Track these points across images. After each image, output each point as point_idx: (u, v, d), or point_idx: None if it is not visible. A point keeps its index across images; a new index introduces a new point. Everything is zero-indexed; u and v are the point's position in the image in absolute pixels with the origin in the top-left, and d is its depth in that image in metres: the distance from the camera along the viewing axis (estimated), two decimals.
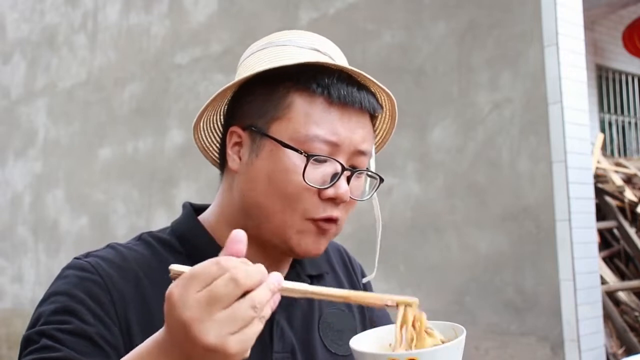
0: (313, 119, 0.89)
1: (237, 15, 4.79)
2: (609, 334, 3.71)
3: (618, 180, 4.76)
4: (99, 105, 5.85)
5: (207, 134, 1.02)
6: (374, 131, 1.00)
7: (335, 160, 0.89)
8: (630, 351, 3.67)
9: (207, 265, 0.62)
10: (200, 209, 1.04)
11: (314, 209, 0.89)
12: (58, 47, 6.46)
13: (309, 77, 0.90)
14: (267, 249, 0.94)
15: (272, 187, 0.89)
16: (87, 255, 0.93)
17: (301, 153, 0.88)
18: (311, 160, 0.88)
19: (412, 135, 3.63)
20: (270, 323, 0.95)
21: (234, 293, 0.61)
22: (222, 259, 0.63)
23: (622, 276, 4.30)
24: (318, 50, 0.95)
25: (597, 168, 4.83)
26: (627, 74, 7.86)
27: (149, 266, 0.92)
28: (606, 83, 7.60)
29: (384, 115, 1.02)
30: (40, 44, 6.74)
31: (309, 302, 1.02)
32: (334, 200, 0.90)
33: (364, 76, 0.92)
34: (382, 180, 0.97)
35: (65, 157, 6.15)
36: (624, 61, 7.66)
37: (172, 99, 5.16)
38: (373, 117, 0.98)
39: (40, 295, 0.91)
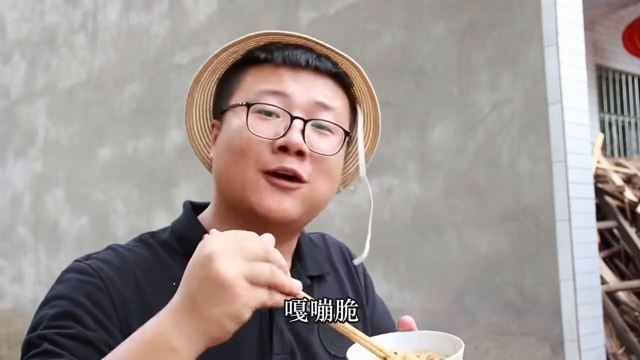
0: (261, 80, 0.92)
1: (237, 15, 4.79)
2: (609, 334, 3.71)
3: (618, 180, 4.76)
4: (99, 105, 5.85)
5: (204, 144, 1.05)
6: (358, 109, 1.00)
7: (283, 109, 0.89)
8: (630, 351, 3.67)
9: (243, 230, 0.71)
10: (201, 207, 1.04)
11: (265, 160, 0.89)
12: (58, 47, 6.46)
13: (258, 51, 0.94)
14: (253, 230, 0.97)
15: (229, 151, 0.91)
16: (88, 257, 0.92)
17: (242, 104, 0.90)
18: (259, 114, 0.89)
19: (412, 135, 3.63)
20: (270, 324, 0.95)
21: (260, 252, 0.69)
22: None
23: (622, 276, 4.30)
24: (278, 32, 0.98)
25: (597, 168, 4.83)
26: (627, 74, 7.85)
27: (148, 267, 0.92)
28: (606, 83, 7.60)
29: (360, 90, 1.00)
30: (40, 44, 6.74)
31: None
32: (288, 151, 0.89)
33: (320, 44, 0.93)
34: (347, 133, 0.95)
35: (65, 157, 6.15)
36: (624, 61, 7.66)
37: (172, 99, 5.16)
38: (346, 87, 0.97)
39: (40, 295, 0.92)
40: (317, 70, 0.92)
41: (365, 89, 1.00)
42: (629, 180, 5.00)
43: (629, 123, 7.90)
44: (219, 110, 0.97)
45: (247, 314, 0.67)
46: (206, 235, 0.70)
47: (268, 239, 0.72)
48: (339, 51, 0.94)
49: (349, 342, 0.83)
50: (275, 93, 0.90)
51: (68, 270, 0.91)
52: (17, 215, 6.67)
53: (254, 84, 0.92)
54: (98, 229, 5.63)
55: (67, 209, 6.02)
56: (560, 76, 3.09)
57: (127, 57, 5.67)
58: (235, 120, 0.91)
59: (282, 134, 0.88)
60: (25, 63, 6.90)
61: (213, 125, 0.98)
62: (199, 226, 0.98)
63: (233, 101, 0.94)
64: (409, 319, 0.89)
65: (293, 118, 0.89)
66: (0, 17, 7.41)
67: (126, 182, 5.46)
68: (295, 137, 0.88)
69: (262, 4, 4.63)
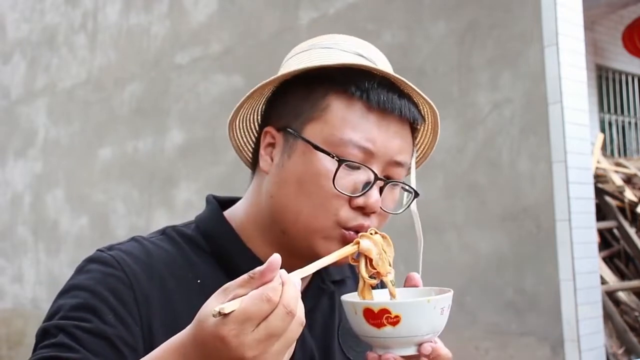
0: (349, 123, 0.86)
1: (237, 15, 4.79)
2: (609, 334, 3.71)
3: (618, 180, 4.76)
4: (99, 105, 5.85)
5: (242, 133, 1.00)
6: (415, 144, 0.97)
7: (369, 168, 0.86)
8: (630, 351, 3.67)
9: (257, 304, 0.64)
10: (224, 202, 1.00)
11: (344, 217, 0.87)
12: (58, 47, 6.46)
13: (348, 80, 0.87)
14: (292, 256, 0.90)
15: (302, 190, 0.87)
16: (111, 248, 0.90)
17: (333, 157, 0.85)
18: (343, 166, 0.85)
19: None
20: None
21: (289, 323, 0.66)
22: (269, 292, 0.65)
23: (622, 276, 4.30)
24: (362, 55, 0.93)
25: (597, 168, 4.83)
26: (627, 74, 7.85)
27: (173, 263, 0.90)
28: (606, 83, 7.60)
29: (425, 128, 0.98)
30: (40, 44, 6.74)
31: (330, 307, 1.01)
32: (364, 210, 0.87)
33: (407, 84, 0.89)
34: (417, 194, 0.94)
35: (65, 157, 6.15)
36: (624, 61, 7.65)
37: (172, 99, 5.16)
38: (414, 130, 0.94)
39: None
40: (403, 118, 0.89)
41: (431, 129, 0.98)
42: (629, 180, 5.01)
43: (629, 123, 7.90)
44: (282, 123, 0.91)
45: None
46: (222, 329, 0.64)
47: (270, 277, 0.67)
48: (423, 95, 0.91)
49: (367, 347, 0.84)
50: (364, 148, 0.86)
51: (90, 260, 0.88)
52: (17, 215, 6.66)
53: (342, 126, 0.86)
54: (98, 229, 5.63)
55: (67, 209, 6.02)
56: (560, 76, 3.09)
57: (127, 57, 5.67)
58: (316, 162, 0.86)
59: (361, 191, 0.86)
60: (25, 63, 6.90)
61: (266, 133, 0.92)
62: (225, 224, 0.95)
63: (310, 130, 0.88)
64: (416, 275, 0.95)
65: (377, 179, 0.87)
66: (0, 17, 7.41)
67: (126, 182, 5.46)
68: (374, 198, 0.87)
69: (262, 4, 4.63)
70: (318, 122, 0.87)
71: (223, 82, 4.77)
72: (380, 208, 0.89)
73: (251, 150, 1.00)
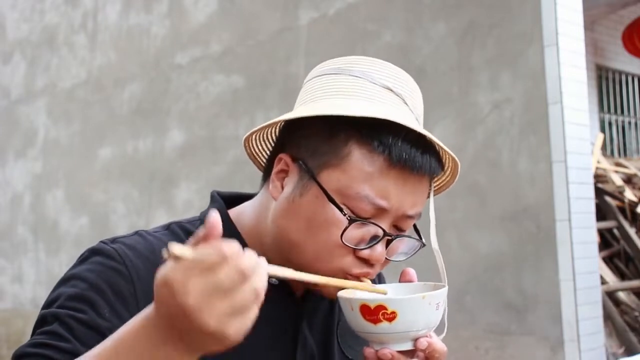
0: (367, 178, 0.85)
1: (237, 15, 4.79)
2: (609, 334, 3.71)
3: (618, 180, 4.77)
4: (99, 105, 5.85)
5: (257, 142, 0.99)
6: (433, 180, 0.96)
7: (378, 226, 0.87)
8: (630, 351, 3.67)
9: (209, 253, 0.61)
10: (230, 200, 1.00)
11: (348, 264, 0.88)
12: (58, 47, 6.46)
13: (372, 132, 0.85)
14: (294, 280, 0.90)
15: (310, 232, 0.87)
16: (114, 240, 0.89)
17: (345, 215, 0.85)
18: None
19: None
20: (295, 332, 0.94)
21: (239, 283, 0.61)
22: (223, 246, 0.61)
23: (622, 276, 4.30)
24: (390, 89, 0.90)
25: (597, 168, 4.83)
26: (627, 74, 7.85)
27: None
28: (606, 83, 7.60)
29: (445, 172, 0.99)
30: (40, 44, 6.74)
31: (330, 308, 1.01)
32: (368, 261, 0.88)
33: (431, 139, 0.89)
34: (423, 245, 0.95)
35: (65, 157, 6.15)
36: (624, 61, 7.66)
37: (172, 99, 5.16)
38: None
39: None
40: (423, 174, 0.89)
41: (450, 174, 0.99)
42: (629, 180, 5.01)
43: (629, 123, 7.90)
44: (299, 154, 0.89)
45: (242, 336, 0.64)
46: (169, 272, 0.61)
47: (218, 233, 0.62)
48: (449, 150, 0.90)
49: (365, 345, 0.85)
50: (377, 206, 0.86)
51: (93, 251, 0.88)
52: (17, 215, 6.66)
53: (360, 180, 0.85)
54: (98, 229, 5.63)
55: (67, 209, 6.02)
56: (560, 76, 3.09)
57: (127, 57, 5.67)
58: (328, 211, 0.86)
59: (368, 243, 0.87)
60: (25, 63, 6.90)
61: (280, 159, 0.91)
62: (231, 226, 0.95)
63: (326, 175, 0.87)
64: (411, 270, 0.94)
65: (385, 235, 0.87)
66: (1, 17, 7.41)
67: (126, 182, 5.46)
68: (378, 252, 0.88)
69: (262, 4, 4.63)
70: (336, 170, 0.86)
71: (223, 82, 4.77)
72: (386, 258, 0.90)
73: (266, 157, 1.00)
